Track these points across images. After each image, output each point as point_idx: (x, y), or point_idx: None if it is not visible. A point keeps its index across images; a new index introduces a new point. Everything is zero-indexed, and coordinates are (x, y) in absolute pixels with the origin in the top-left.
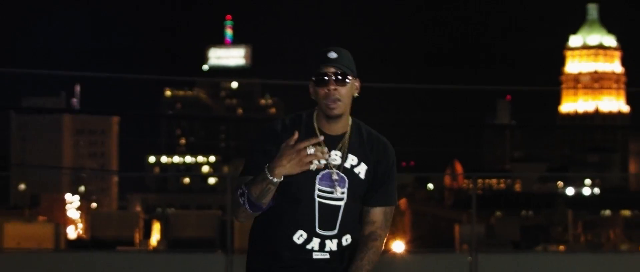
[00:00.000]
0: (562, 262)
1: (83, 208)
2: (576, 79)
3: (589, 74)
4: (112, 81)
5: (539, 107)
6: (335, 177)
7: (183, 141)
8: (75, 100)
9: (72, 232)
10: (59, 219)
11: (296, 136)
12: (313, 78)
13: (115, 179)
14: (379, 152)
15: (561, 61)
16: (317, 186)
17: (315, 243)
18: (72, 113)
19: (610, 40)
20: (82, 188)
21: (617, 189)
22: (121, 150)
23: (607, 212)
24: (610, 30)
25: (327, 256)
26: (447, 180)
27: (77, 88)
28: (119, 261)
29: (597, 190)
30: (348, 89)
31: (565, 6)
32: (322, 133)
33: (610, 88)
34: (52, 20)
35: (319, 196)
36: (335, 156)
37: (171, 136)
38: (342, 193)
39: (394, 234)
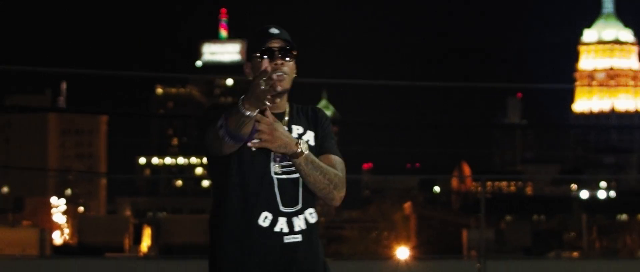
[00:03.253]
0: (575, 269)
1: (70, 212)
2: (591, 75)
3: (605, 70)
4: (100, 78)
5: (551, 106)
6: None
7: (175, 142)
8: (61, 99)
9: (58, 238)
10: (44, 224)
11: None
12: (257, 54)
13: (104, 181)
14: (315, 116)
15: (575, 57)
16: (272, 163)
17: (282, 224)
18: (58, 112)
19: (627, 35)
20: (68, 191)
21: (634, 192)
22: (110, 151)
23: (624, 216)
24: (627, 24)
25: (299, 237)
26: (455, 182)
27: (64, 86)
28: (108, 268)
29: (613, 193)
30: (292, 66)
31: None
32: (262, 112)
33: (627, 85)
34: (38, 14)
35: (275, 173)
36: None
37: (163, 136)
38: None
39: (398, 239)
